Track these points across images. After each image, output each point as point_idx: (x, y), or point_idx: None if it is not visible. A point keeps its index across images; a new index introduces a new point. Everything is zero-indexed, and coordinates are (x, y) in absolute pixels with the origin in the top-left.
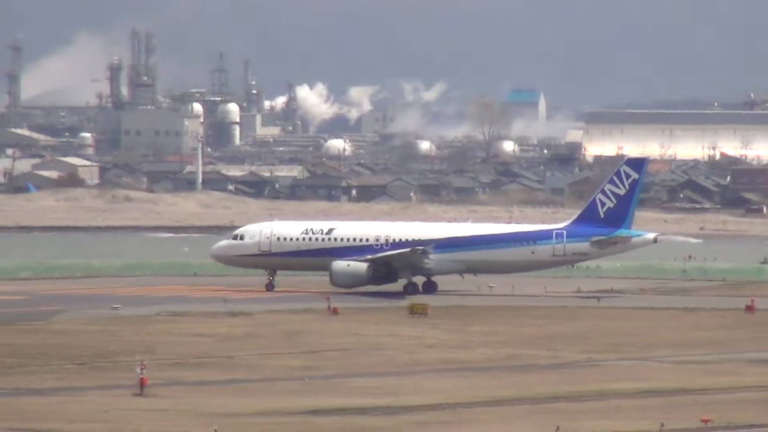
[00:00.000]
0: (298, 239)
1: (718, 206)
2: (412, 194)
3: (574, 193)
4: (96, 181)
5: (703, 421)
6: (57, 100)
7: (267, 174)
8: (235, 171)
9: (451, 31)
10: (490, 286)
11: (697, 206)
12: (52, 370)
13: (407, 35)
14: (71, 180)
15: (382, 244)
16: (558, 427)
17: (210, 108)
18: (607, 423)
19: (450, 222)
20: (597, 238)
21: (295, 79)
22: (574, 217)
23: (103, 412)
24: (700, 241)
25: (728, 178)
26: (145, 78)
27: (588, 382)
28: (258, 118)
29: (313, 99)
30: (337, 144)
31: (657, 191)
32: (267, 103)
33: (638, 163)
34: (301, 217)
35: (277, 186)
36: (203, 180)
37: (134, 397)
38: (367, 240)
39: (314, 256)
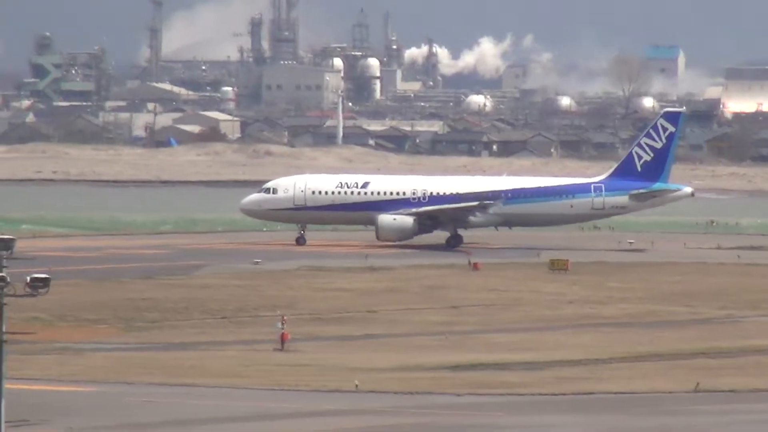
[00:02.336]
0: (333, 193)
1: None
2: (552, 150)
3: (713, 149)
4: (237, 135)
5: None
6: (198, 54)
7: (407, 129)
8: (375, 126)
9: None
10: (629, 242)
11: None
12: (194, 324)
13: None
14: (212, 134)
15: (419, 198)
16: (698, 383)
17: (351, 63)
18: (746, 379)
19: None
20: (635, 191)
21: (435, 34)
22: (611, 170)
23: (245, 367)
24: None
25: None
26: (287, 33)
27: (727, 338)
28: (398, 73)
29: (492, 53)
30: (477, 99)
31: None
32: (452, 61)
33: (675, 117)
34: (442, 173)
35: (417, 141)
36: (344, 134)
37: (275, 352)
38: (404, 193)
39: (350, 210)
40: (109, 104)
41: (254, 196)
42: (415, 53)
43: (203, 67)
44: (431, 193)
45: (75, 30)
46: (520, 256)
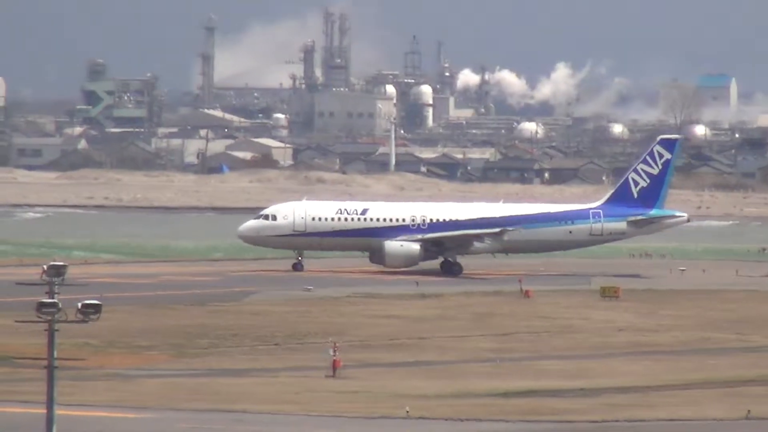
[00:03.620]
0: (333, 219)
1: None
2: (604, 177)
3: (765, 177)
4: (289, 162)
5: None
6: (250, 81)
7: (459, 156)
8: (427, 153)
9: (641, 16)
10: (681, 270)
11: None
12: (245, 351)
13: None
14: (264, 161)
15: (418, 224)
16: (749, 411)
17: (403, 90)
18: None
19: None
20: (633, 217)
21: (487, 60)
22: (607, 196)
23: (296, 394)
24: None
25: None
26: (339, 60)
27: None
28: (451, 100)
29: (565, 80)
30: (530, 127)
31: None
32: (528, 92)
33: (671, 143)
34: (493, 200)
35: (469, 168)
36: (396, 162)
37: (327, 379)
38: (403, 220)
39: (350, 236)
40: (161, 131)
41: (252, 223)
42: (468, 80)
43: (255, 94)
44: (430, 219)
45: (127, 57)
46: (571, 284)
